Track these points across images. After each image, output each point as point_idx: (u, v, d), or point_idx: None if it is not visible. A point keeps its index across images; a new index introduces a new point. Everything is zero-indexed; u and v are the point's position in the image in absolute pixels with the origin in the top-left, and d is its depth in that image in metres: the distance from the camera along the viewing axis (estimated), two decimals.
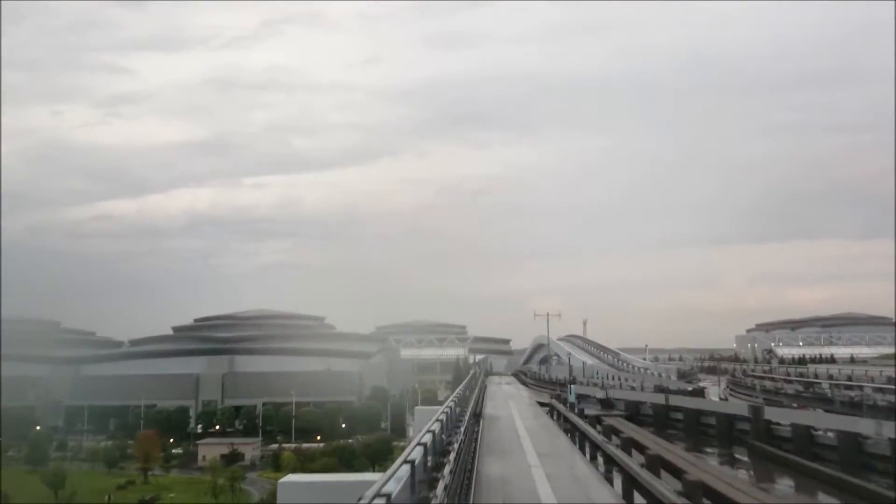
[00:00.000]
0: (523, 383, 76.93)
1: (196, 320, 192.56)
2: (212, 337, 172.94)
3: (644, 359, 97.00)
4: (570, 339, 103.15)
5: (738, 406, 39.19)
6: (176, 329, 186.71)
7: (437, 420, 14.13)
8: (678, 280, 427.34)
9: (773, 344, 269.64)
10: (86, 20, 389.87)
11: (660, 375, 64.58)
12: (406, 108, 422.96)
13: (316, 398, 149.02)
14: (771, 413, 33.40)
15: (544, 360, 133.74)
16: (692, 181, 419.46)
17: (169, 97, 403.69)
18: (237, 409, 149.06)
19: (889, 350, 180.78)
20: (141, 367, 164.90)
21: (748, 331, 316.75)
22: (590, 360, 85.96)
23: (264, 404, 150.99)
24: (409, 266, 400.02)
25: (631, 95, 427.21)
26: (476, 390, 40.55)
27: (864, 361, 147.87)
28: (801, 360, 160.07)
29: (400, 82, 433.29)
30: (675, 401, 42.27)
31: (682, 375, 73.32)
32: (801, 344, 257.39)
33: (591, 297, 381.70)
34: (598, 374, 69.79)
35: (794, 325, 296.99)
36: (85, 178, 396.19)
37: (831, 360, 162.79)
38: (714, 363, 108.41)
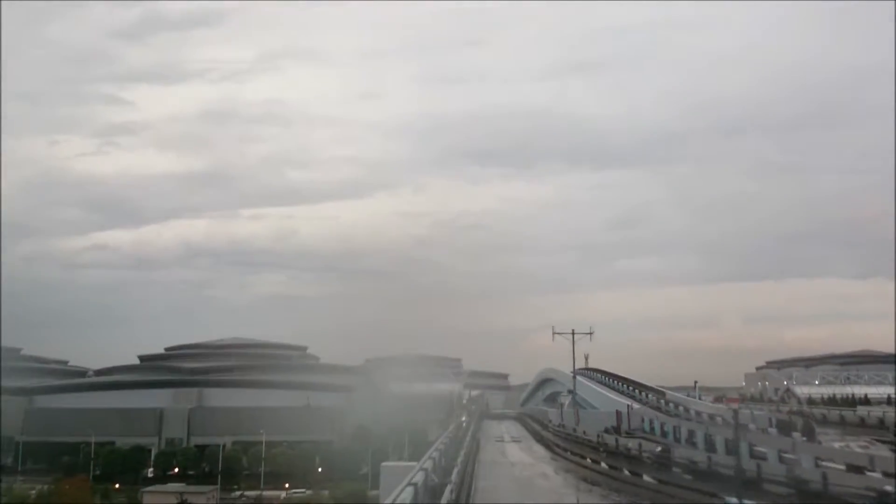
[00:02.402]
0: (539, 439, 56.40)
1: (166, 349, 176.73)
2: (180, 367, 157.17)
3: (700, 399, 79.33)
4: (586, 372, 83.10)
5: None
6: (143, 358, 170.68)
7: None
8: (675, 318, 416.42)
9: (786, 382, 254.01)
10: (85, 52, 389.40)
11: (761, 429, 43.15)
12: (403, 142, 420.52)
13: (291, 437, 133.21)
14: None
15: (552, 398, 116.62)
16: (688, 219, 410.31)
17: (166, 128, 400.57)
18: (201, 448, 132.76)
19: None
20: (102, 400, 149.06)
21: (758, 368, 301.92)
22: (626, 403, 67.85)
23: (233, 443, 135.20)
24: (404, 299, 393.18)
25: (627, 134, 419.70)
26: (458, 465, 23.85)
27: None
28: (833, 401, 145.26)
29: (397, 117, 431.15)
30: None
31: (804, 429, 42.08)
32: (817, 383, 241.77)
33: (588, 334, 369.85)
34: (650, 423, 50.42)
35: (808, 362, 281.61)
36: (81, 209, 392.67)
37: (866, 400, 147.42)
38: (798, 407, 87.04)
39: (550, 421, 59.34)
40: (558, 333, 62.76)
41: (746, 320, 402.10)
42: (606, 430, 46.60)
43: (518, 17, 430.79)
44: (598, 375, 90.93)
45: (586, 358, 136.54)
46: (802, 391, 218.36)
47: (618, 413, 59.49)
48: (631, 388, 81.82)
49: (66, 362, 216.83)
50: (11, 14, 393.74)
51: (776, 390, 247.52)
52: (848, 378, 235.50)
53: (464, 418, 64.48)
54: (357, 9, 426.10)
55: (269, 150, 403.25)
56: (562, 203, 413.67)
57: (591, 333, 63.31)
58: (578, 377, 72.23)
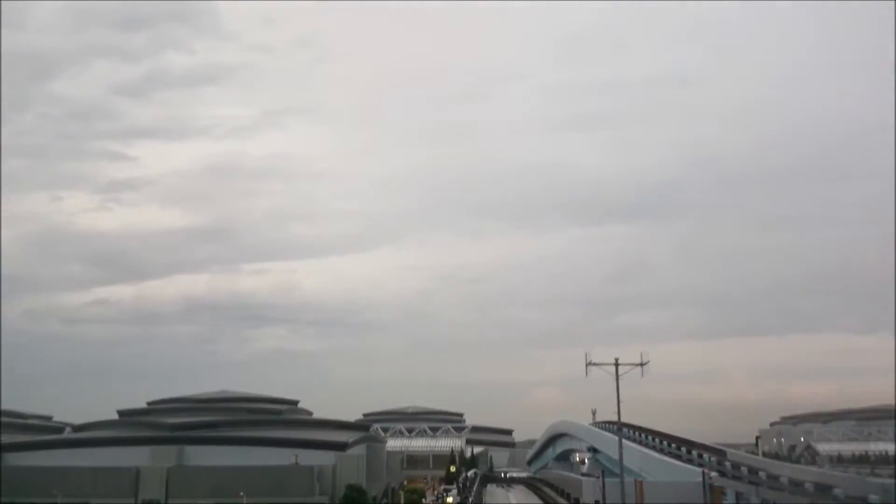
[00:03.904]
0: None
1: (149, 403, 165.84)
2: (161, 423, 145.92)
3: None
4: (606, 426, 68.74)
5: None
6: (122, 413, 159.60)
7: None
8: (678, 373, 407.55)
9: (803, 438, 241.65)
10: (89, 109, 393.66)
11: None
12: (405, 196, 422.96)
13: (276, 499, 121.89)
14: None
15: (565, 457, 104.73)
16: (688, 273, 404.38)
17: (170, 184, 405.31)
18: None
19: None
20: (78, 458, 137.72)
21: (772, 424, 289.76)
22: (689, 468, 53.27)
23: None
24: (405, 353, 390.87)
25: (627, 187, 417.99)
26: None
27: None
28: (866, 459, 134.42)
29: (398, 171, 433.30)
30: None
31: None
32: (837, 439, 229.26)
33: (592, 389, 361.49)
34: (737, 499, 38.75)
35: (825, 418, 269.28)
36: (83, 264, 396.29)
37: None
38: None
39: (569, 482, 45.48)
40: (594, 365, 45.87)
41: (750, 375, 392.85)
42: None
43: (518, 74, 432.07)
44: (627, 431, 72.05)
45: (594, 413, 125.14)
46: (825, 448, 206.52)
47: (715, 490, 44.38)
48: (674, 445, 64.94)
49: (49, 417, 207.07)
50: (16, 69, 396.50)
51: (793, 447, 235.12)
52: (870, 434, 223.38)
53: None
54: (358, 66, 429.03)
55: (272, 205, 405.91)
56: (562, 256, 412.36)
57: (644, 364, 45.22)
58: (601, 433, 58.54)
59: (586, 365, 44.30)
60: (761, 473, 44.30)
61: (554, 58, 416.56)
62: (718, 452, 56.68)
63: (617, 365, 43.59)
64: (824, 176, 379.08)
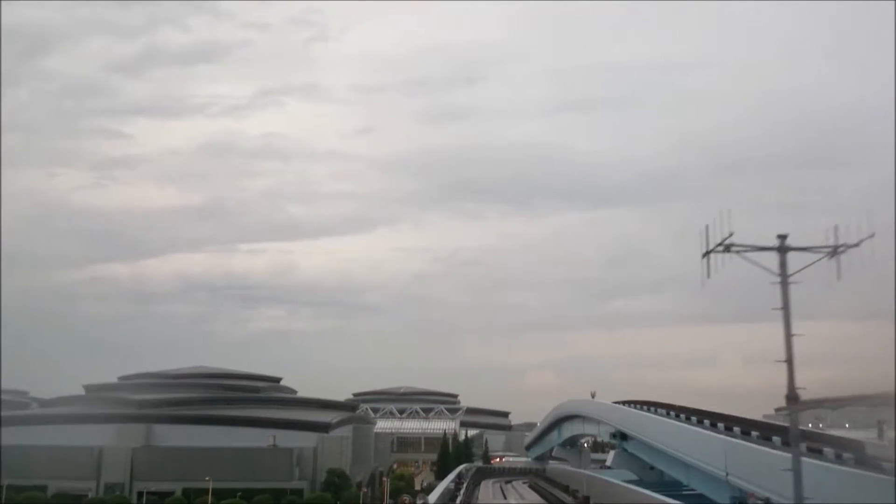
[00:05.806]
0: None
1: (120, 378, 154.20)
2: (129, 399, 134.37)
3: None
4: (636, 406, 53.54)
5: None
6: (88, 388, 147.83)
7: None
8: (674, 357, 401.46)
9: (810, 424, 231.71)
10: (83, 85, 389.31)
11: None
12: (401, 177, 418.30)
13: (252, 483, 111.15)
14: None
15: (572, 442, 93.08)
16: (686, 259, 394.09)
17: (165, 162, 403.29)
18: (141, 496, 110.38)
19: None
20: (40, 436, 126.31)
21: (777, 410, 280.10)
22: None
23: (184, 491, 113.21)
24: (400, 335, 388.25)
25: (624, 172, 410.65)
26: None
27: None
28: None
29: (395, 152, 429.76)
30: None
31: None
32: (847, 426, 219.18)
33: (589, 372, 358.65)
34: None
35: (834, 404, 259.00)
36: (79, 241, 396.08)
37: None
38: None
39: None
40: (732, 250, 22.76)
41: (747, 361, 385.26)
42: None
43: (515, 55, 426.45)
44: (665, 412, 56.30)
45: (593, 395, 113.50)
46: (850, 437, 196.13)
47: None
48: (757, 434, 47.36)
49: (25, 393, 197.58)
50: (11, 46, 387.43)
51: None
52: (884, 421, 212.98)
53: None
54: (355, 45, 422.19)
55: (268, 185, 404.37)
56: (559, 240, 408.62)
57: (842, 249, 22.15)
58: (635, 413, 40.47)
59: (705, 255, 21.81)
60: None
61: (553, 41, 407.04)
62: (852, 446, 38.32)
63: (783, 250, 19.14)
64: (823, 163, 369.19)
